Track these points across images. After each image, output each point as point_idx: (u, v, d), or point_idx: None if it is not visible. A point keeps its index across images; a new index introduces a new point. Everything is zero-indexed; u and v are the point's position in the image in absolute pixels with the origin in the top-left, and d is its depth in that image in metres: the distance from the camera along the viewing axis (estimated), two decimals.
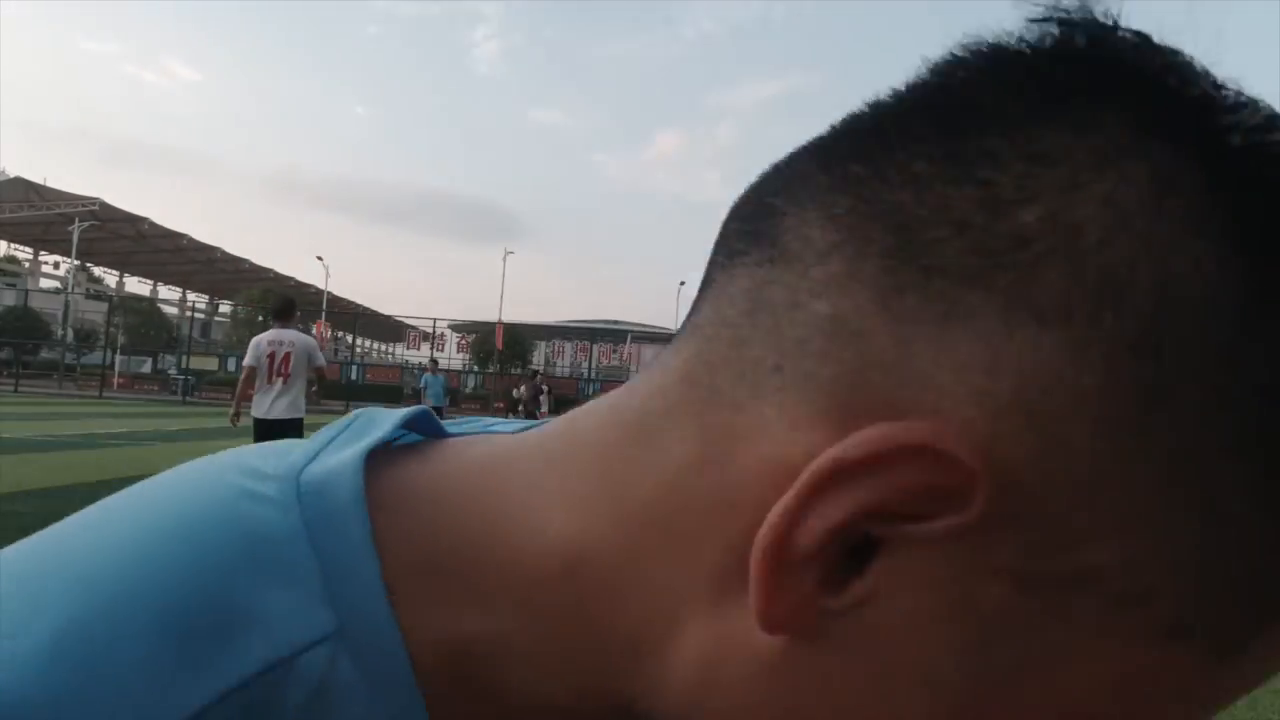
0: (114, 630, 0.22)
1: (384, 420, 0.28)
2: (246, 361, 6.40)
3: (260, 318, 50.77)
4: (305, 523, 0.24)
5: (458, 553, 0.25)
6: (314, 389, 6.84)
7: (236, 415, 6.74)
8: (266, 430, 6.20)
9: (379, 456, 0.26)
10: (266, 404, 6.27)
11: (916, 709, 0.22)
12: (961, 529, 0.21)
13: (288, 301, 7.00)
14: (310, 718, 0.22)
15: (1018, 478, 0.21)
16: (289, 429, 6.30)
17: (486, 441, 0.29)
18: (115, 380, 38.59)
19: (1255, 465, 0.21)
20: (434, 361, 17.32)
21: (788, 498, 0.21)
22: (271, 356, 6.25)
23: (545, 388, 19.88)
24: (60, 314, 50.01)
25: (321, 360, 6.64)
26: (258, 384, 6.31)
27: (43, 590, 0.23)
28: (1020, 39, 0.23)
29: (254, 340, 6.40)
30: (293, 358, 6.33)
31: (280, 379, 6.29)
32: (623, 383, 0.27)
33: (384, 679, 0.23)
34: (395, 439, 0.29)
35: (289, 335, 6.45)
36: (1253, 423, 0.21)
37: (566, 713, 0.25)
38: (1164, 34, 0.19)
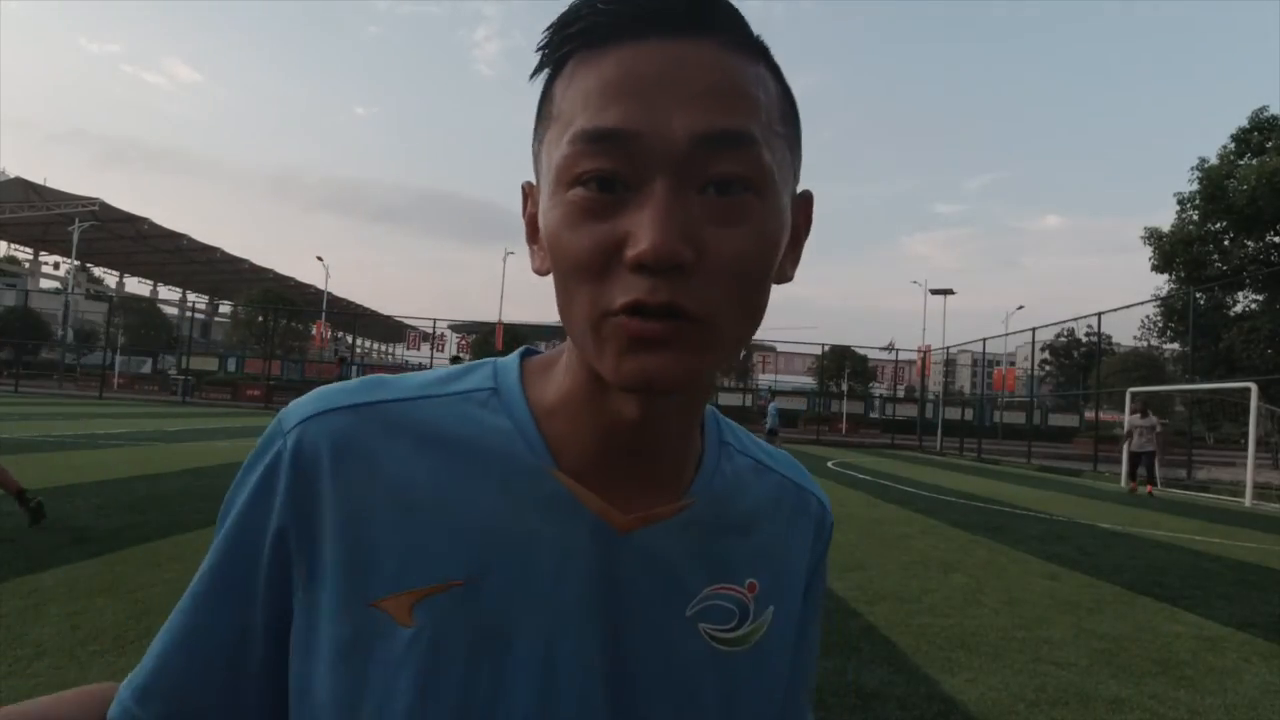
0: (423, 378, 0.55)
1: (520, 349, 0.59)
2: None
3: (260, 318, 50.40)
4: (495, 366, 0.56)
5: (549, 364, 0.54)
6: None
7: None
8: None
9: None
10: None
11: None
12: None
13: None
14: (482, 415, 0.51)
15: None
16: None
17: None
18: (115, 380, 38.54)
19: None
20: (456, 360, 17.05)
21: None
22: None
23: None
24: (60, 314, 50.00)
25: None
26: None
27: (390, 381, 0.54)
28: None
29: None
30: None
31: None
32: None
33: (513, 409, 0.52)
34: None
35: None
36: None
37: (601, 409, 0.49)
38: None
